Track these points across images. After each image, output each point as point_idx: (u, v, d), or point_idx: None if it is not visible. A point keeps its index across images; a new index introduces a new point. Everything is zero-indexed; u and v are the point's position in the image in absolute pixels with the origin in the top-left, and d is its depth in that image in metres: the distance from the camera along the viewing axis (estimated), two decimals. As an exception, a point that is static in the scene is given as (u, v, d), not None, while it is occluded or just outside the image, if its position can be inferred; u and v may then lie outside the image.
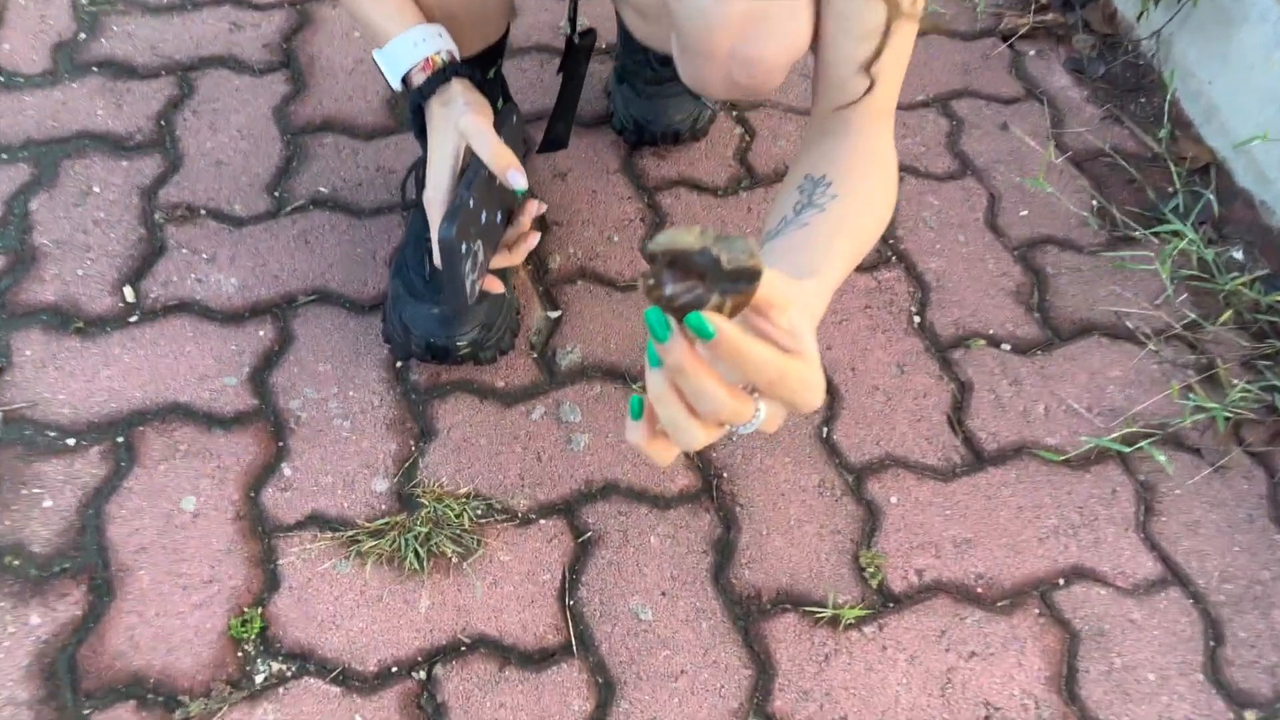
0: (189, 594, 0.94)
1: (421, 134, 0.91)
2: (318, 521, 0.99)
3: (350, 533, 0.98)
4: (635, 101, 1.27)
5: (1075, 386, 1.12)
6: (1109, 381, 1.12)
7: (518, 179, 0.85)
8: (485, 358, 1.07)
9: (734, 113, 1.35)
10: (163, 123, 1.28)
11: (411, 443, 1.04)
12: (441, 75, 0.86)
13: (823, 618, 0.95)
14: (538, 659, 0.92)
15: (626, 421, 0.60)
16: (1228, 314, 1.16)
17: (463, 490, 1.01)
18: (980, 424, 1.09)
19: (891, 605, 0.97)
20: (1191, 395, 1.10)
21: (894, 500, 1.03)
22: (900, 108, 1.33)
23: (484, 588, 0.95)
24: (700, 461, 1.05)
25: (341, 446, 1.03)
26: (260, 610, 0.93)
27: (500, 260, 0.93)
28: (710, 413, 0.54)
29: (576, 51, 1.09)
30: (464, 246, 0.83)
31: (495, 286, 0.92)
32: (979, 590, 0.98)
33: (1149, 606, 0.98)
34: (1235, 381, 1.11)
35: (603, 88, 1.36)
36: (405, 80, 0.88)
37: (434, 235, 0.86)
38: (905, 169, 1.31)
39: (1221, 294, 1.19)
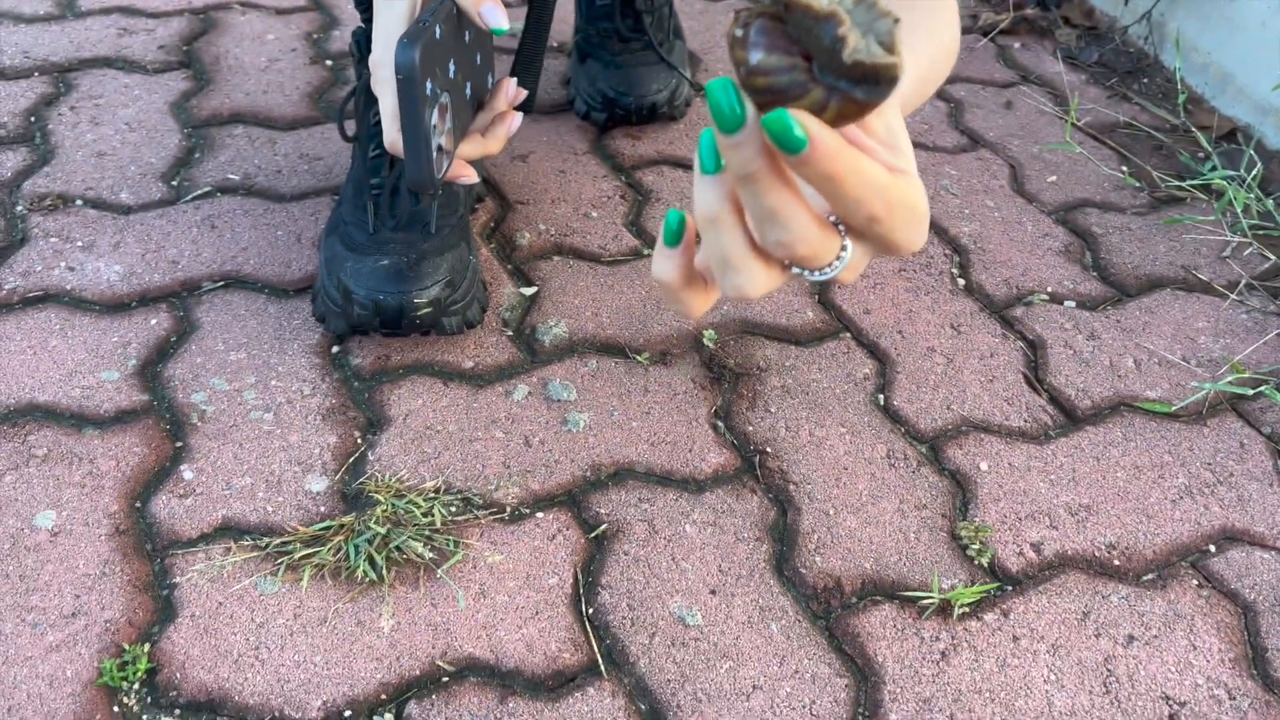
0: (42, 634, 0.65)
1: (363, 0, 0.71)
2: (231, 532, 0.71)
3: (278, 541, 0.71)
4: (604, 75, 1.10)
5: (1162, 338, 0.93)
6: (1198, 332, 0.94)
7: (495, 13, 0.65)
8: (450, 325, 0.83)
9: (711, 98, 1.19)
10: (33, 119, 1.06)
11: (356, 434, 0.79)
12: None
13: (929, 606, 0.71)
14: (552, 685, 0.65)
15: (656, 249, 0.41)
16: (1308, 258, 1.00)
17: (429, 484, 0.76)
18: (1065, 381, 0.89)
19: (1011, 586, 0.73)
20: (1297, 339, 0.93)
21: (984, 467, 0.81)
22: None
23: (468, 599, 0.69)
24: (735, 438, 0.81)
25: (262, 443, 0.77)
26: (147, 648, 0.64)
27: (473, 147, 0.71)
28: (784, 245, 0.36)
29: (545, -29, 0.92)
30: (429, 86, 0.62)
31: (468, 174, 0.70)
32: (1116, 563, 0.75)
33: (1326, 570, 0.76)
34: (1342, 321, 0.94)
35: (560, 79, 1.19)
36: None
37: (384, 89, 0.64)
38: (914, 144, 1.15)
39: (1292, 242, 1.04)
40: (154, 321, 0.86)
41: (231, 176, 1.01)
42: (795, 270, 0.39)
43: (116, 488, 0.73)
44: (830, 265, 0.38)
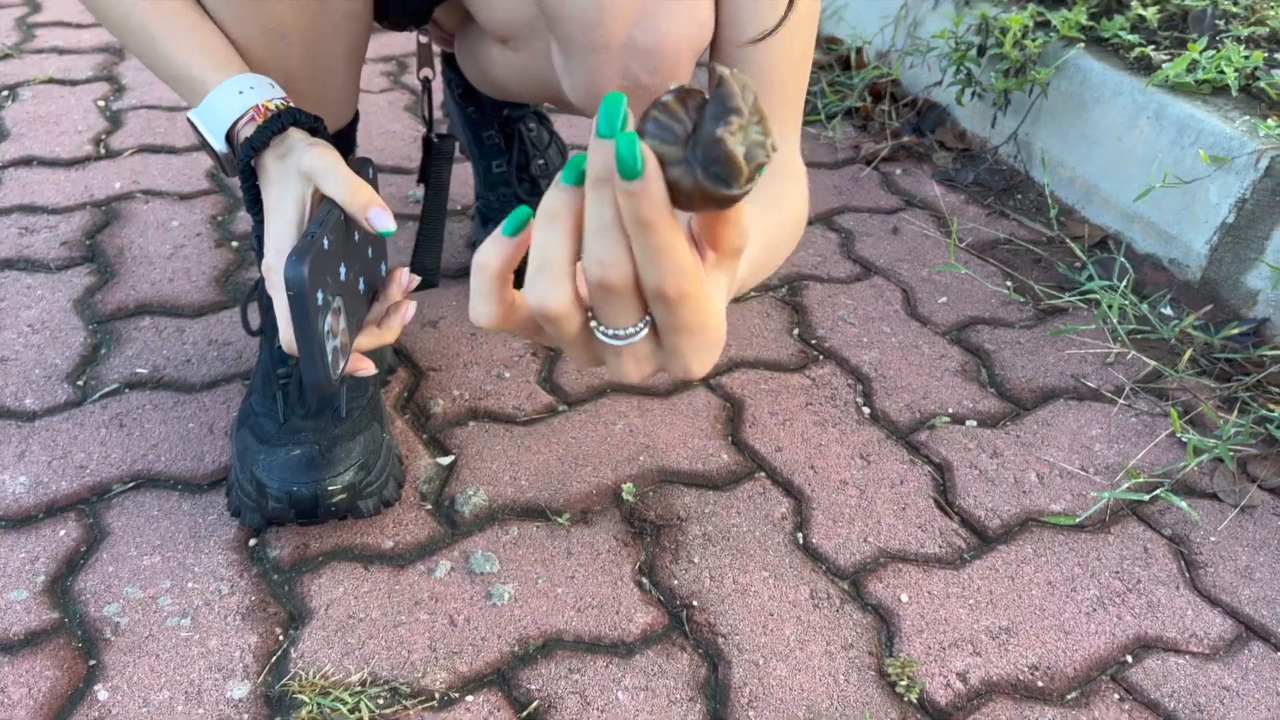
0: None
1: (255, 204, 0.73)
2: (150, 752, 0.70)
3: (199, 757, 0.69)
4: (504, 237, 1.13)
5: (1060, 450, 0.97)
6: (1093, 440, 0.98)
7: (382, 219, 0.67)
8: (366, 509, 0.83)
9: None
10: (-69, 328, 1.05)
11: (278, 630, 0.78)
12: (276, 122, 0.69)
13: (864, 751, 0.72)
14: None
15: (491, 236, 0.44)
16: (1186, 357, 1.06)
17: (355, 677, 0.75)
18: (974, 502, 0.91)
19: (943, 721, 0.74)
20: (1185, 439, 0.97)
21: (904, 598, 0.83)
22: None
23: (401, 797, 0.68)
24: (661, 594, 0.82)
25: (180, 651, 0.76)
26: None
27: (369, 339, 0.73)
28: (603, 264, 0.40)
29: (438, 155, 0.96)
30: (320, 296, 0.63)
31: (366, 366, 0.72)
32: (1040, 684, 0.77)
33: (1238, 668, 0.79)
34: (1225, 418, 0.99)
35: (465, 243, 1.23)
36: (230, 137, 0.71)
37: (277, 293, 0.66)
38: (810, 277, 1.20)
39: (1170, 342, 1.10)
40: (63, 532, 0.84)
41: (140, 370, 1.01)
42: (593, 324, 0.43)
43: (29, 717, 0.71)
44: (624, 330, 0.42)
